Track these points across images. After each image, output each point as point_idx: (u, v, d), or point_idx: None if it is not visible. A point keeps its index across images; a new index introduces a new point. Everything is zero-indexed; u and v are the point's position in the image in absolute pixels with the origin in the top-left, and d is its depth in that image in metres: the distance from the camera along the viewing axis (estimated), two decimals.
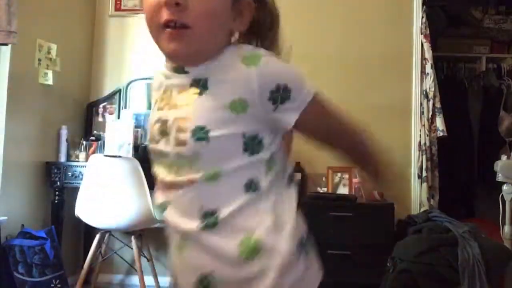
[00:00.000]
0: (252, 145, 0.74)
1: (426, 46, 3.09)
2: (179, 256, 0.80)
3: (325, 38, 3.25)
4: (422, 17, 3.12)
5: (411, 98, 3.14)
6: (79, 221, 2.75)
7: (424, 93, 3.08)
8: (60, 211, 2.93)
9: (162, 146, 0.77)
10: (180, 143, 0.74)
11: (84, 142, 3.11)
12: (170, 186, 0.77)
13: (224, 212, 0.73)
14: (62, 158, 3.04)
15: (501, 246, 2.50)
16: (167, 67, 0.81)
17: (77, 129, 3.29)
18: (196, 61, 0.75)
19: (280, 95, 0.72)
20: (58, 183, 2.93)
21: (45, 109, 2.97)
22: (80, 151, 3.08)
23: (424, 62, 3.10)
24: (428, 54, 3.08)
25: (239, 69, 0.72)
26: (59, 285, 2.63)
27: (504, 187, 2.56)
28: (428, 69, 3.07)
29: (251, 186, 0.74)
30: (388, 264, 2.49)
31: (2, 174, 2.61)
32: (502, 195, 2.56)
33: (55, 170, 2.94)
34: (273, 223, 0.74)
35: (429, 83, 3.05)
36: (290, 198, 0.79)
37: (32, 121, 2.87)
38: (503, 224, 2.57)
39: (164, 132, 0.77)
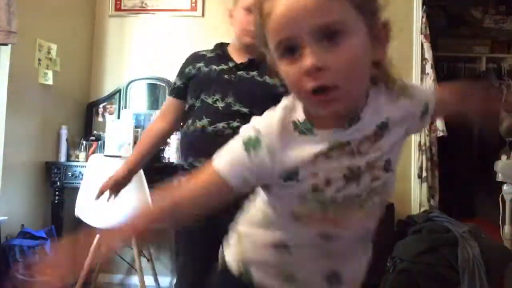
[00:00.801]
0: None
1: (426, 46, 3.09)
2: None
3: None
4: (422, 17, 3.12)
5: None
6: (79, 221, 2.75)
7: None
8: (60, 211, 2.93)
9: (353, 189, 0.80)
10: (376, 178, 0.81)
11: (84, 142, 3.11)
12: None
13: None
14: (62, 158, 3.04)
15: (501, 246, 2.50)
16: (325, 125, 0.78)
17: (77, 129, 3.29)
18: (356, 108, 0.76)
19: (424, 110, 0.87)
20: (58, 183, 2.93)
21: (45, 109, 2.97)
22: (80, 151, 3.08)
23: (424, 62, 3.10)
24: (428, 54, 3.08)
25: (404, 104, 0.82)
26: (59, 285, 2.63)
27: (504, 187, 2.56)
28: (428, 69, 3.07)
29: None
30: (388, 264, 2.49)
31: (2, 174, 2.60)
32: (502, 195, 2.56)
33: (55, 170, 2.94)
34: None
35: (429, 83, 3.05)
36: None
37: (32, 121, 2.87)
38: (503, 224, 2.57)
39: (354, 178, 0.80)
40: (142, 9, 3.41)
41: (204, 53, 1.70)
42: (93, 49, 3.47)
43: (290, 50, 0.68)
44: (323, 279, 0.88)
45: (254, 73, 1.58)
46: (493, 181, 2.65)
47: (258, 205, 0.91)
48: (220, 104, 1.54)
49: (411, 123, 0.84)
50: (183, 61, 1.73)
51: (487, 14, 3.76)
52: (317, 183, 0.78)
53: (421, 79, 3.11)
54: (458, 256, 2.33)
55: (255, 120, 0.80)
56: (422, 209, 2.98)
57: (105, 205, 2.65)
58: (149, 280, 2.98)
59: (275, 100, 1.51)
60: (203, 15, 3.37)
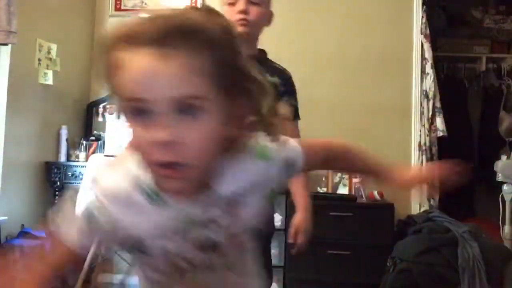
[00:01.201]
0: None
1: (426, 46, 3.09)
2: None
3: (325, 38, 3.25)
4: (422, 17, 3.12)
5: (411, 98, 3.14)
6: None
7: (424, 93, 3.08)
8: None
9: (209, 259, 0.81)
10: (235, 241, 0.81)
11: (84, 142, 3.10)
12: None
13: None
14: (62, 158, 3.04)
15: (501, 246, 2.50)
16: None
17: (77, 129, 3.29)
18: (207, 180, 0.72)
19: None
20: (58, 183, 2.93)
21: (45, 109, 2.97)
22: (80, 151, 3.08)
23: (424, 62, 3.10)
24: (428, 54, 3.08)
25: (262, 168, 0.77)
26: (59, 285, 2.63)
27: (504, 187, 2.56)
28: (428, 69, 3.07)
29: None
30: (388, 264, 2.49)
31: (2, 174, 2.60)
32: (502, 195, 2.56)
33: (55, 170, 2.94)
34: None
35: (429, 83, 3.05)
36: None
37: (32, 121, 2.87)
38: (503, 224, 2.57)
39: (208, 248, 0.80)
40: (142, 9, 3.41)
41: None
42: (93, 49, 3.46)
43: (142, 112, 0.62)
44: None
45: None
46: (493, 181, 2.65)
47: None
48: None
49: (276, 183, 0.81)
50: None
51: (487, 14, 3.75)
52: (168, 254, 0.76)
53: (421, 79, 3.11)
54: (458, 256, 2.33)
55: (97, 184, 0.76)
56: (422, 209, 2.98)
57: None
58: None
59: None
60: None
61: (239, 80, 0.66)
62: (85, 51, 3.41)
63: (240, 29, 1.47)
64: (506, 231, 2.54)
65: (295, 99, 1.64)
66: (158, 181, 0.69)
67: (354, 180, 2.98)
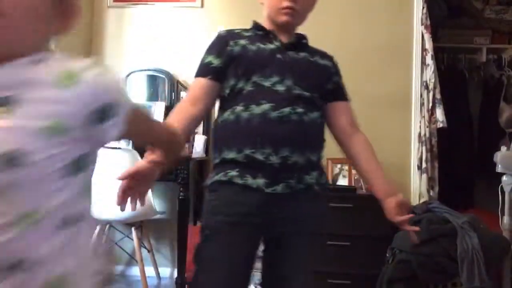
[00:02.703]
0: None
1: (427, 36, 3.07)
2: None
3: (324, 29, 3.23)
4: (423, 8, 3.10)
5: (411, 89, 3.14)
6: None
7: (424, 84, 3.07)
8: None
9: None
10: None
11: None
12: None
13: None
14: None
15: (500, 237, 2.51)
16: None
17: None
18: (4, 54, 0.66)
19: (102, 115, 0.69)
20: None
21: None
22: None
23: (424, 53, 3.09)
24: (429, 45, 3.06)
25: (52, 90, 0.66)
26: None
27: (504, 178, 2.56)
28: (429, 60, 3.06)
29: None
30: (387, 254, 2.50)
31: None
32: (502, 186, 2.57)
33: None
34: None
35: (429, 74, 3.04)
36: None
37: None
38: (502, 215, 2.58)
39: None
40: (141, 0, 3.39)
41: (239, 31, 1.46)
42: (92, 40, 3.45)
43: None
44: None
45: (305, 53, 1.45)
46: (492, 172, 2.65)
47: None
48: (280, 88, 1.32)
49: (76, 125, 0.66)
50: (215, 38, 1.46)
51: (488, 5, 3.73)
52: None
53: (421, 70, 3.10)
54: (457, 247, 2.34)
55: None
56: (421, 200, 2.99)
57: (105, 197, 2.64)
58: (149, 270, 3.00)
59: (329, 81, 1.48)
60: (202, 5, 3.35)
61: None
62: (84, 42, 3.40)
63: (284, 18, 1.40)
64: (505, 222, 2.55)
65: (336, 63, 1.60)
66: None
67: (354, 171, 2.99)
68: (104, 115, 0.68)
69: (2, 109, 0.63)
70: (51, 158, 0.64)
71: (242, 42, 1.40)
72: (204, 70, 1.42)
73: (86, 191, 0.73)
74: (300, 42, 1.47)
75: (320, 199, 1.45)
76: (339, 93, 1.57)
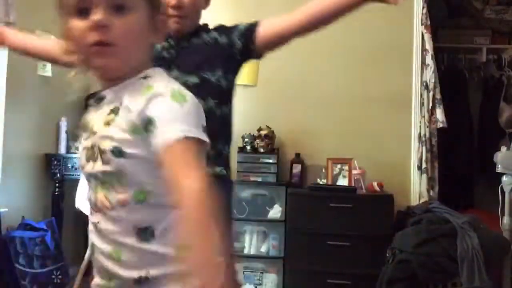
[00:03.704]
0: None
1: (427, 37, 3.07)
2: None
3: (324, 29, 3.23)
4: (423, 8, 3.10)
5: (411, 89, 3.14)
6: (79, 212, 2.75)
7: (424, 84, 3.07)
8: (60, 202, 2.94)
9: (89, 168, 0.87)
10: (107, 161, 0.82)
11: None
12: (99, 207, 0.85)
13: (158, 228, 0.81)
14: (62, 150, 3.04)
15: (500, 237, 2.51)
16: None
17: (77, 120, 3.28)
18: (119, 75, 0.86)
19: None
20: (58, 174, 2.93)
21: (45, 100, 2.96)
22: (80, 143, 3.07)
23: (424, 53, 3.09)
24: (429, 45, 3.06)
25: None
26: (60, 276, 2.65)
27: (504, 178, 2.56)
28: (429, 60, 3.06)
29: None
30: (387, 254, 2.50)
31: (2, 166, 2.61)
32: (502, 186, 2.57)
33: (55, 162, 2.94)
34: None
35: (430, 74, 3.04)
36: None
37: (32, 113, 2.86)
38: (502, 215, 2.58)
39: (91, 157, 0.86)
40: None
41: None
42: None
43: (84, 11, 0.81)
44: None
45: (198, 39, 1.41)
46: (492, 172, 2.65)
47: None
48: None
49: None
50: None
51: (488, 5, 3.73)
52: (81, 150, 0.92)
53: (422, 70, 3.10)
54: (457, 247, 2.34)
55: None
56: (421, 200, 2.99)
57: None
58: None
59: (232, 46, 1.39)
60: None
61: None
62: None
63: (173, 27, 1.35)
64: (505, 222, 2.55)
65: (231, 27, 1.44)
66: (91, 61, 0.85)
67: (354, 171, 2.99)
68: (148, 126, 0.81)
69: (111, 117, 0.83)
70: (142, 153, 0.80)
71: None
72: None
73: None
74: (194, 33, 1.42)
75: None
76: (251, 33, 1.39)
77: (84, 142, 0.90)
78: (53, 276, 2.63)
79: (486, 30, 3.70)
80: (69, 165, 2.96)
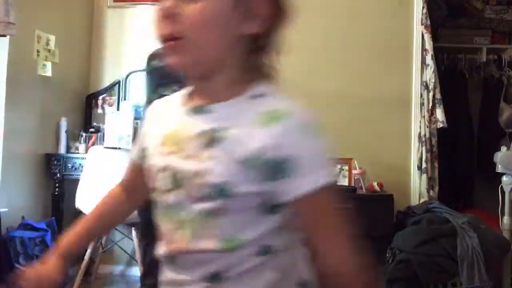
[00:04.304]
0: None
1: (427, 36, 3.07)
2: None
3: (325, 29, 3.23)
4: (423, 8, 3.10)
5: (411, 89, 3.14)
6: (79, 212, 2.76)
7: (424, 84, 3.07)
8: (60, 202, 2.94)
9: (172, 198, 0.70)
10: (206, 199, 0.67)
11: (84, 134, 3.10)
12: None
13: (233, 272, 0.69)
14: (62, 150, 3.04)
15: (500, 237, 2.51)
16: (182, 103, 0.75)
17: (77, 121, 3.29)
18: (201, 73, 0.71)
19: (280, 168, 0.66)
20: (58, 175, 2.93)
21: (44, 101, 2.96)
22: (80, 143, 3.08)
23: (424, 53, 3.09)
24: (429, 45, 3.06)
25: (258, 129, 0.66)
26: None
27: (504, 178, 2.56)
28: (429, 60, 3.06)
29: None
30: (387, 254, 2.50)
31: (2, 166, 2.61)
32: (502, 186, 2.57)
33: (55, 162, 2.94)
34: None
35: (429, 74, 3.04)
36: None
37: (32, 113, 2.86)
38: (502, 215, 2.58)
39: (176, 185, 0.70)
40: (141, 0, 3.39)
41: None
42: (92, 40, 3.45)
43: None
44: None
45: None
46: (492, 172, 2.65)
47: None
48: None
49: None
50: None
51: (488, 5, 3.73)
52: (152, 180, 0.74)
53: (422, 70, 3.10)
54: (457, 247, 2.34)
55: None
56: (421, 200, 2.99)
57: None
58: None
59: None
60: None
61: None
62: (84, 42, 3.40)
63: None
64: (505, 222, 2.55)
65: None
66: (166, 59, 0.70)
67: (354, 171, 2.99)
68: (279, 170, 0.64)
69: (210, 141, 0.67)
70: (249, 194, 0.66)
71: None
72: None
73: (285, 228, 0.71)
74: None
75: None
76: None
77: (162, 158, 0.72)
78: None
79: (486, 30, 3.70)
80: (69, 165, 2.96)
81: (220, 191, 0.65)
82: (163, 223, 0.73)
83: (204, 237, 0.67)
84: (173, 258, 0.72)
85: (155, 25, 0.69)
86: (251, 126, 0.65)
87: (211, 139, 0.67)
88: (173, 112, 0.75)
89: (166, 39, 0.68)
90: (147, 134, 0.80)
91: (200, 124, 0.69)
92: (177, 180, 0.69)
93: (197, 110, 0.70)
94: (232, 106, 0.68)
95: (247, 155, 0.64)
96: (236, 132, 0.66)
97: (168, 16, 0.67)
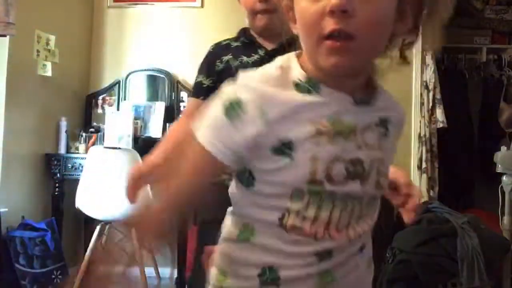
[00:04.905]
0: None
1: None
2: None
3: None
4: None
5: (411, 89, 3.14)
6: (79, 212, 2.76)
7: (424, 84, 3.07)
8: (60, 202, 2.94)
9: (355, 187, 0.68)
10: (380, 187, 0.72)
11: (84, 134, 3.10)
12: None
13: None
14: (62, 150, 3.04)
15: (500, 237, 2.51)
16: (323, 92, 0.67)
17: (77, 120, 3.28)
18: (356, 75, 0.69)
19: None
20: (58, 175, 2.93)
21: (44, 100, 2.96)
22: (80, 143, 3.08)
23: (424, 53, 3.09)
24: None
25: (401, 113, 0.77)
26: (60, 276, 2.65)
27: (504, 178, 2.56)
28: (429, 60, 3.06)
29: None
30: (387, 254, 2.50)
31: (2, 166, 2.61)
32: (502, 186, 2.57)
33: (55, 162, 2.94)
34: None
35: (430, 74, 3.05)
36: None
37: (32, 112, 2.86)
38: (502, 215, 2.57)
39: (358, 174, 0.68)
40: (141, 0, 3.39)
41: (227, 42, 1.44)
42: (92, 40, 3.45)
43: None
44: None
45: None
46: (492, 172, 2.65)
47: (232, 216, 0.75)
48: None
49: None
50: (205, 55, 1.45)
51: (488, 5, 3.73)
52: (316, 169, 0.65)
53: (422, 70, 3.10)
54: (457, 247, 2.33)
55: (241, 76, 0.68)
56: (421, 200, 2.98)
57: (105, 197, 2.65)
58: (149, 271, 3.00)
59: None
60: (202, 5, 3.35)
61: None
62: (84, 42, 3.40)
63: (259, 23, 1.36)
64: (505, 222, 2.55)
65: None
66: (320, 60, 0.64)
67: None
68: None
69: (382, 130, 0.72)
70: None
71: (226, 57, 1.39)
72: (197, 90, 1.43)
73: None
74: (284, 46, 1.40)
75: None
76: None
77: (344, 151, 0.67)
78: (53, 276, 2.63)
79: (486, 30, 3.70)
80: (69, 165, 2.96)
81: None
82: (325, 214, 0.67)
83: (363, 221, 0.74)
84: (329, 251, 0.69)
85: (311, 20, 0.63)
86: (395, 114, 0.74)
87: (384, 130, 0.72)
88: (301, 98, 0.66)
89: (331, 36, 0.62)
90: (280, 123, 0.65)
91: (370, 114, 0.70)
92: (363, 170, 0.68)
93: (362, 100, 0.69)
94: (382, 96, 0.73)
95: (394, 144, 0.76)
96: (393, 121, 0.74)
97: (336, 12, 0.61)
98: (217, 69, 1.39)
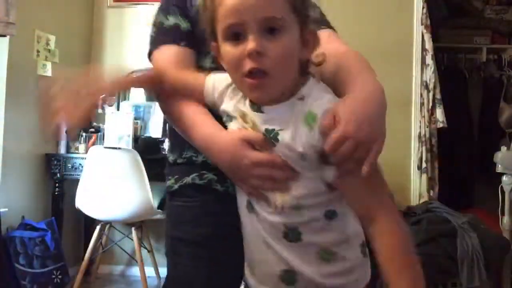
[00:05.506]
0: None
1: (427, 36, 3.07)
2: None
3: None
4: (423, 8, 3.10)
5: (411, 89, 3.14)
6: (79, 212, 2.76)
7: (424, 84, 3.07)
8: (60, 202, 2.94)
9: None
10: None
11: (84, 134, 3.10)
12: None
13: None
14: (62, 150, 3.04)
15: (500, 237, 2.51)
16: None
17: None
18: (277, 101, 0.82)
19: None
20: (58, 175, 2.93)
21: None
22: (80, 143, 3.08)
23: (424, 53, 3.09)
24: (429, 45, 3.06)
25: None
26: (60, 276, 2.65)
27: (504, 178, 2.56)
28: (429, 60, 3.06)
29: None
30: None
31: (2, 166, 2.61)
32: (502, 186, 2.57)
33: (55, 162, 2.94)
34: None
35: (430, 74, 3.04)
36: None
37: (32, 112, 2.86)
38: (503, 215, 2.58)
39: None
40: (141, 0, 3.39)
41: None
42: (92, 40, 3.45)
43: (235, 35, 0.78)
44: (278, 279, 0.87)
45: None
46: (492, 172, 2.66)
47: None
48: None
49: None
50: None
51: (488, 5, 3.73)
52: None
53: (422, 70, 3.10)
54: (457, 247, 2.34)
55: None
56: (421, 200, 2.99)
57: (105, 197, 2.65)
58: (149, 271, 3.00)
59: None
60: None
61: (306, 9, 0.82)
62: (84, 42, 3.40)
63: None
64: (505, 222, 2.55)
65: None
66: (245, 93, 0.84)
67: None
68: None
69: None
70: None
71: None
72: (173, 33, 1.02)
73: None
74: None
75: None
76: None
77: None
78: (53, 276, 2.63)
79: (486, 30, 3.70)
80: (69, 165, 2.96)
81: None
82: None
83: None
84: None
85: (233, 62, 0.79)
86: (299, 125, 0.80)
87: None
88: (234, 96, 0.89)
89: (251, 74, 0.77)
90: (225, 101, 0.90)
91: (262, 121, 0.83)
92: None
93: (257, 108, 0.84)
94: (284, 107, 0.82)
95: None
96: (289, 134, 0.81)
97: (252, 55, 0.76)
98: (193, 13, 1.03)
